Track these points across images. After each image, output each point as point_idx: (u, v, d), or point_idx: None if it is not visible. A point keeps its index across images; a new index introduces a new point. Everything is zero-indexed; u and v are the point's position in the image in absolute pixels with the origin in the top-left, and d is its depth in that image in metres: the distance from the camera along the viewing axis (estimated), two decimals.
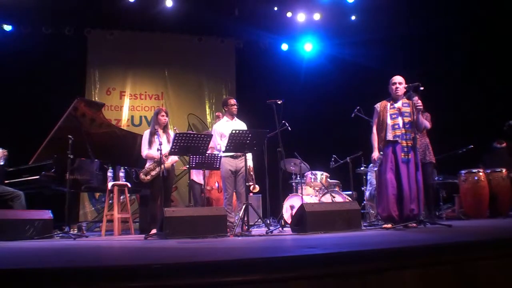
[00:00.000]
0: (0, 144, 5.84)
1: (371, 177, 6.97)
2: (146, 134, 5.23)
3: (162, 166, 4.82)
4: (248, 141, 4.74)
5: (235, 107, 5.30)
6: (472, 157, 6.67)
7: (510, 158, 6.64)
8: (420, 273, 2.04)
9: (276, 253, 2.47)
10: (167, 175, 5.00)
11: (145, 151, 5.16)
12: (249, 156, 5.16)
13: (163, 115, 5.22)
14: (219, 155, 5.18)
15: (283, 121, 5.87)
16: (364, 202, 6.98)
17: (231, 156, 5.06)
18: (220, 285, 1.74)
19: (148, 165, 5.15)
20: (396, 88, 4.59)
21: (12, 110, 7.48)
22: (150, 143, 5.11)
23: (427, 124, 5.30)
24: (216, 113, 7.25)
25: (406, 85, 4.57)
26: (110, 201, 5.86)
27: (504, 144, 6.69)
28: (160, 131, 5.21)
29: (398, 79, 4.64)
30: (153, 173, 5.05)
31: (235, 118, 5.36)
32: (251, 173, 5.33)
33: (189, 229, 4.09)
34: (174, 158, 5.30)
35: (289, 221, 5.66)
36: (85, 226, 7.01)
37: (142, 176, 5.11)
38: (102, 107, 6.57)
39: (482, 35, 7.83)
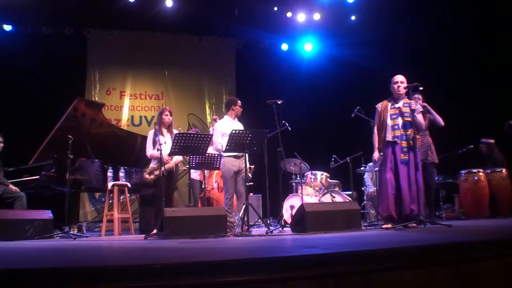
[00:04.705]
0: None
1: (368, 179, 6.99)
2: (150, 134, 5.24)
3: (162, 168, 4.82)
4: (248, 141, 4.74)
5: (241, 109, 5.33)
6: (472, 157, 6.67)
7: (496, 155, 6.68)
8: (420, 273, 2.04)
9: (276, 253, 2.46)
10: (170, 175, 5.00)
11: (149, 151, 5.17)
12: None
13: (166, 115, 5.22)
14: (221, 155, 5.18)
15: (283, 121, 5.88)
16: (364, 202, 6.99)
17: (234, 156, 5.05)
18: (220, 285, 1.74)
19: (152, 164, 5.15)
20: (398, 87, 4.57)
21: (12, 110, 7.47)
22: (154, 143, 5.11)
23: (439, 119, 5.35)
24: (213, 117, 7.25)
25: (406, 85, 4.57)
26: (110, 201, 5.86)
27: (492, 141, 6.72)
28: (164, 131, 5.22)
29: (399, 78, 4.63)
30: (157, 172, 5.04)
31: (236, 119, 5.38)
32: (249, 174, 5.33)
33: (189, 229, 4.09)
34: (178, 158, 5.29)
35: (289, 221, 5.67)
36: (85, 226, 7.01)
37: (146, 175, 5.11)
38: (102, 107, 6.57)
39: (482, 34, 7.83)
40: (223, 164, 5.11)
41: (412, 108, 4.49)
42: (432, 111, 5.50)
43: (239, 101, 5.36)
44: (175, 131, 5.27)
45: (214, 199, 6.53)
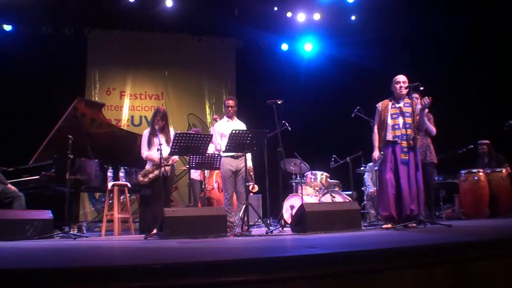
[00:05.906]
0: (0, 143, 5.83)
1: (368, 179, 6.99)
2: (145, 135, 5.17)
3: (162, 168, 4.80)
4: (248, 141, 4.73)
5: (229, 108, 5.30)
6: (472, 157, 6.67)
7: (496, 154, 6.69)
8: (420, 273, 2.04)
9: (276, 253, 2.46)
10: (167, 175, 4.99)
11: (144, 152, 5.11)
12: (248, 156, 5.16)
13: (158, 120, 5.07)
14: (220, 155, 5.18)
15: (283, 121, 5.87)
16: (364, 202, 6.99)
17: (232, 156, 5.06)
18: (220, 285, 1.74)
19: (147, 166, 5.12)
20: (400, 87, 4.57)
21: (12, 110, 7.47)
22: (150, 144, 5.08)
23: (431, 127, 5.25)
24: (214, 117, 7.26)
25: (406, 85, 4.56)
26: (110, 201, 5.85)
27: (486, 141, 6.74)
28: (159, 132, 5.17)
29: (402, 78, 4.62)
30: (151, 175, 5.02)
31: (235, 118, 5.37)
32: (251, 173, 5.33)
33: (189, 229, 4.09)
34: (174, 158, 5.27)
35: (289, 221, 5.67)
36: (85, 226, 7.01)
37: (140, 178, 5.08)
38: (102, 107, 6.57)
39: (482, 34, 7.83)
40: (222, 164, 5.12)
41: (419, 107, 4.51)
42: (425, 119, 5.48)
43: (229, 101, 5.36)
44: (171, 130, 5.24)
45: (214, 199, 6.53)
